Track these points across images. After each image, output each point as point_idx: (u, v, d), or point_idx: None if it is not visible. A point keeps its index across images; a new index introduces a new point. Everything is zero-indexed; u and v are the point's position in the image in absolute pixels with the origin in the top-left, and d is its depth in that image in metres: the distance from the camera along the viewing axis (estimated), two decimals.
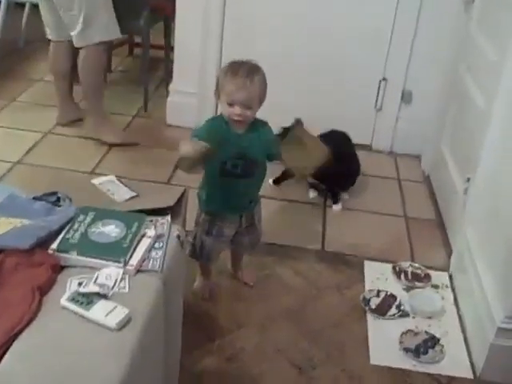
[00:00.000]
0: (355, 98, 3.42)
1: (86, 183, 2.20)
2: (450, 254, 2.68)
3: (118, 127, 3.51)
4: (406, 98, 3.41)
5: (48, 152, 3.29)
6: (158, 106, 3.86)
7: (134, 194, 2.13)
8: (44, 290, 1.39)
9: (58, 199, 1.72)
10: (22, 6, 4.41)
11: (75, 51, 3.20)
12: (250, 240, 2.32)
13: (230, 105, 2.00)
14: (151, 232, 1.56)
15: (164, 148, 3.43)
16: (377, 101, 3.44)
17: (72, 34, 3.08)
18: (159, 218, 1.64)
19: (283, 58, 3.35)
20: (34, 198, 1.69)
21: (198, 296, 2.35)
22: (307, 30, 3.34)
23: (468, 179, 2.52)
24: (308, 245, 2.71)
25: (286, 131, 2.26)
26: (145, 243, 1.53)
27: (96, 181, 2.21)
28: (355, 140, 3.49)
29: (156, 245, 1.55)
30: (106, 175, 2.94)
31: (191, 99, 3.54)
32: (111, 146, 3.33)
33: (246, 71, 2.00)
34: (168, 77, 4.17)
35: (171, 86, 3.62)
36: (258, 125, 2.10)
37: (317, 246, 2.72)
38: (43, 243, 1.50)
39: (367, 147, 3.56)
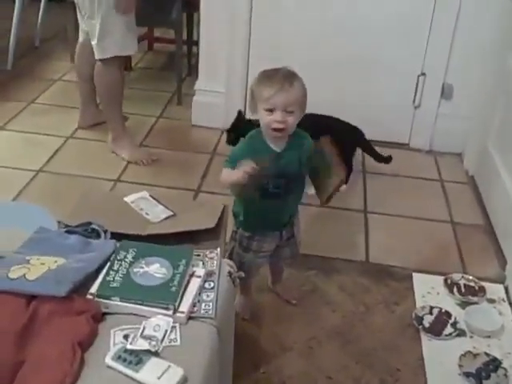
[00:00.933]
0: (392, 95, 3.23)
1: (119, 201, 2.05)
2: (503, 263, 2.51)
3: (135, 144, 3.29)
4: (446, 93, 3.22)
5: (71, 158, 3.14)
6: (182, 104, 3.70)
7: (170, 213, 2.00)
8: (85, 344, 1.24)
9: (93, 230, 1.56)
10: (37, 2, 4.23)
11: (121, 66, 3.05)
12: (291, 251, 2.17)
13: (270, 111, 1.81)
14: (200, 270, 1.40)
15: (190, 151, 3.29)
16: (415, 97, 3.25)
17: (92, 43, 2.92)
18: (207, 252, 1.48)
19: (313, 52, 3.18)
20: (66, 232, 1.54)
21: (239, 316, 2.20)
22: (339, 22, 3.16)
23: None
24: (351, 256, 2.55)
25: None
26: (194, 284, 1.37)
27: (128, 198, 2.08)
28: (392, 138, 3.35)
29: (206, 285, 1.39)
30: (132, 183, 2.91)
31: (218, 99, 3.37)
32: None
33: (282, 75, 1.83)
34: (191, 72, 4.03)
35: (197, 85, 3.45)
36: (298, 139, 1.92)
37: (360, 257, 2.56)
38: (80, 286, 1.35)
39: (405, 146, 3.39)
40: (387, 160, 2.96)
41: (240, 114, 2.75)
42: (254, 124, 1.95)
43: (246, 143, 1.91)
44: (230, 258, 2.06)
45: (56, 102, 3.69)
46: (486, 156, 2.93)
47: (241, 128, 2.53)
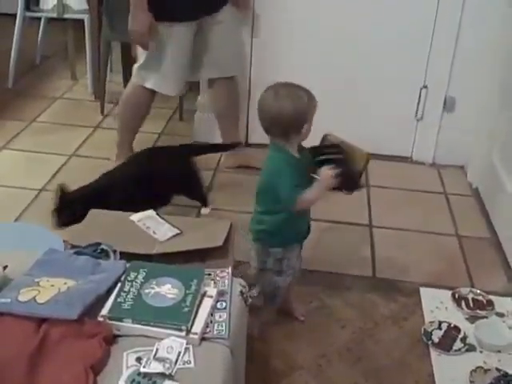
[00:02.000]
0: (394, 108, 3.23)
1: (125, 220, 2.04)
2: (511, 276, 2.50)
3: None
4: (448, 105, 3.22)
5: (73, 176, 3.10)
6: (184, 120, 3.70)
7: (176, 231, 1.98)
8: (98, 367, 1.22)
9: (102, 250, 1.54)
10: (38, 20, 4.24)
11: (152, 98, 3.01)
12: (300, 264, 2.17)
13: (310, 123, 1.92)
14: (212, 290, 1.39)
15: None
16: (417, 110, 3.25)
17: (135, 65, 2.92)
18: (218, 271, 1.46)
19: (315, 67, 3.17)
20: (75, 253, 1.52)
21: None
22: (341, 37, 3.15)
23: None
24: (358, 271, 2.53)
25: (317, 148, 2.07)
26: (206, 305, 1.35)
27: (135, 217, 2.06)
28: (395, 152, 3.34)
29: (218, 305, 1.38)
30: None
31: None
32: None
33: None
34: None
35: (199, 101, 3.45)
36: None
37: (367, 273, 2.54)
38: (91, 308, 1.33)
39: (407, 159, 3.38)
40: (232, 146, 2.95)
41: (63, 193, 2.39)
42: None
43: (286, 164, 1.92)
44: (263, 290, 2.09)
45: (58, 120, 3.68)
46: (489, 168, 2.92)
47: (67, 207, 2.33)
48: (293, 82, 1.97)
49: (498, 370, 2.06)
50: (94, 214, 2.13)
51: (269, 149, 1.99)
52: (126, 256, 1.65)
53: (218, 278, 1.46)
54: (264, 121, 1.94)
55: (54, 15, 3.89)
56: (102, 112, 3.75)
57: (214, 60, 2.93)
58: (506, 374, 2.04)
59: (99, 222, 2.06)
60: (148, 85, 2.88)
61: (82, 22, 3.88)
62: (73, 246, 1.73)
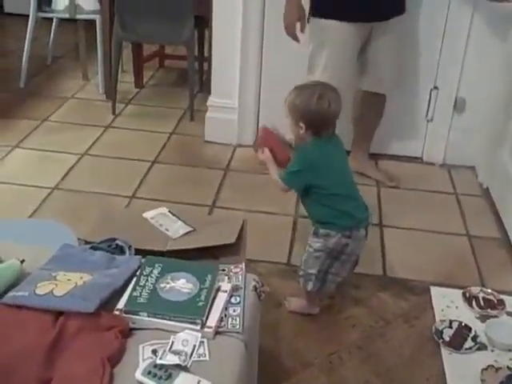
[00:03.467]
0: (404, 109, 3.24)
1: (138, 218, 2.06)
2: None
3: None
4: (458, 106, 3.22)
5: (85, 175, 3.15)
6: (194, 120, 3.72)
7: (189, 228, 2.00)
8: (114, 360, 1.24)
9: (117, 246, 1.56)
10: (50, 20, 4.27)
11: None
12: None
13: None
14: (226, 285, 1.40)
15: (204, 167, 3.29)
16: (428, 111, 3.26)
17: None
18: (232, 267, 1.47)
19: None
20: (91, 248, 1.54)
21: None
22: None
23: None
24: (368, 270, 2.53)
25: None
26: (221, 299, 1.37)
27: (147, 214, 2.08)
28: (405, 153, 3.35)
29: (232, 300, 1.39)
30: (147, 199, 2.92)
31: (231, 115, 3.38)
32: None
33: None
34: (202, 89, 4.05)
35: (209, 101, 3.46)
36: None
37: (378, 272, 2.55)
38: (107, 301, 1.35)
39: (418, 160, 3.38)
40: None
41: None
42: None
43: None
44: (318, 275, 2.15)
45: (69, 120, 3.71)
46: (500, 168, 2.92)
47: None
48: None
49: (509, 368, 2.06)
50: (107, 212, 2.15)
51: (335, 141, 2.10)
52: (140, 253, 1.66)
53: (231, 274, 1.47)
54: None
55: (66, 16, 3.93)
56: (114, 112, 3.78)
57: (375, 73, 2.87)
58: None
59: (112, 220, 2.09)
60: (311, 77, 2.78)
61: (93, 22, 3.91)
62: (86, 243, 1.74)
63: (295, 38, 2.74)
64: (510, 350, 2.16)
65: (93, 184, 3.04)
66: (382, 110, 3.06)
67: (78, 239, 1.96)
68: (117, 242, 1.58)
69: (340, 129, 2.13)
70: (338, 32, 2.69)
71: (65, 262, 1.47)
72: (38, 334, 1.30)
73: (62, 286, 1.36)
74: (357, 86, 2.95)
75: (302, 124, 2.03)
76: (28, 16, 3.99)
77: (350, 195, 2.13)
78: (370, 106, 3.04)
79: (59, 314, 1.33)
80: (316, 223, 2.15)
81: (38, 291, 1.36)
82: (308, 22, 2.73)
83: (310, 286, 2.18)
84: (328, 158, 2.07)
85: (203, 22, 3.75)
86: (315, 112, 2.01)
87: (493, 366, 2.07)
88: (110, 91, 3.81)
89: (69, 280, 1.38)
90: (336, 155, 2.12)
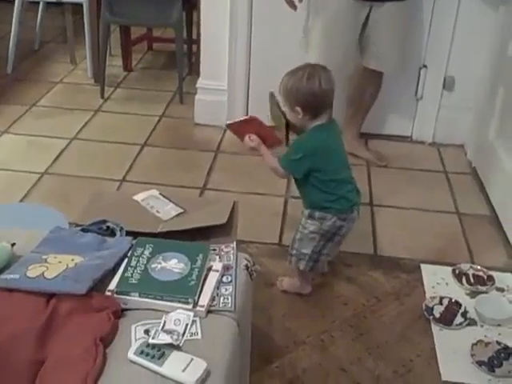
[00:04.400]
0: (394, 88, 3.23)
1: (128, 200, 2.06)
2: (510, 252, 2.53)
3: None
4: (448, 84, 3.23)
5: (75, 160, 3.15)
6: (184, 103, 3.71)
7: (180, 210, 2.00)
8: (107, 340, 1.25)
9: (108, 228, 1.56)
10: (36, 4, 4.23)
11: None
12: None
13: None
14: (217, 264, 1.41)
15: (194, 149, 3.29)
16: (417, 89, 3.26)
17: None
18: (223, 246, 1.48)
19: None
20: (82, 230, 1.54)
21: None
22: None
23: None
24: (359, 249, 2.55)
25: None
26: (212, 278, 1.38)
27: (138, 197, 2.08)
28: (395, 132, 3.35)
29: (224, 279, 1.40)
30: (137, 183, 2.92)
31: (220, 96, 3.37)
32: None
33: None
34: (191, 71, 4.04)
35: (198, 83, 3.45)
36: None
37: (369, 250, 2.56)
38: (99, 283, 1.36)
39: (407, 138, 3.40)
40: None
41: None
42: None
43: None
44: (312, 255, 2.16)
45: (58, 104, 3.69)
46: (488, 147, 2.94)
47: None
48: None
49: (498, 343, 2.09)
50: (97, 195, 2.15)
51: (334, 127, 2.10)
52: (131, 235, 1.66)
53: (223, 253, 1.48)
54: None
55: None
56: (102, 96, 3.76)
57: (374, 50, 2.87)
58: (506, 347, 2.08)
59: (102, 203, 2.08)
60: (311, 52, 2.82)
61: (80, 5, 3.88)
62: (77, 226, 1.74)
63: (292, 6, 2.74)
64: (499, 325, 2.19)
65: (83, 168, 3.04)
66: (378, 90, 3.07)
67: (69, 223, 1.96)
68: (107, 224, 1.58)
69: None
70: (336, 5, 2.71)
71: (56, 245, 1.47)
72: (30, 317, 1.30)
73: (53, 268, 1.36)
74: (356, 62, 2.95)
75: (297, 108, 2.02)
76: (14, 0, 3.95)
77: (346, 179, 2.14)
78: (368, 85, 3.05)
79: (51, 296, 1.34)
80: (311, 208, 2.15)
81: (29, 274, 1.36)
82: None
83: (302, 265, 2.20)
84: (328, 144, 2.08)
85: (191, 3, 3.73)
86: (307, 93, 2.00)
87: (482, 340, 2.10)
88: (99, 75, 3.79)
89: (60, 262, 1.39)
90: (335, 141, 2.12)
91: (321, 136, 2.06)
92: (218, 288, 1.38)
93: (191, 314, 1.29)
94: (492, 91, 2.93)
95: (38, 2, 4.19)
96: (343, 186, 2.12)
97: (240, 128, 2.18)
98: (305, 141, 2.08)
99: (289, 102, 2.04)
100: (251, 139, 2.14)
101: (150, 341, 1.22)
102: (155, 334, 1.23)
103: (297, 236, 2.19)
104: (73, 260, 1.40)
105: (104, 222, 1.60)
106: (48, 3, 4.14)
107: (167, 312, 1.31)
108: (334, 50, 2.76)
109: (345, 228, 2.15)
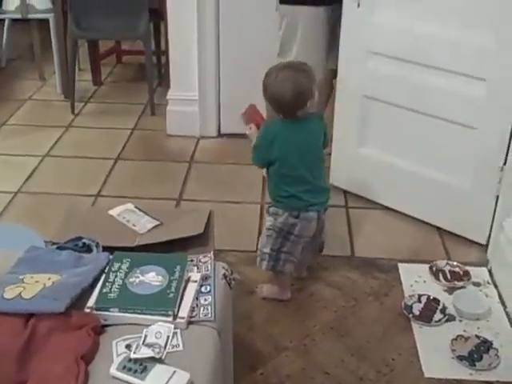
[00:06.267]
0: None
1: (104, 215, 2.05)
2: (485, 247, 2.55)
3: None
4: None
5: (48, 177, 3.12)
6: (155, 114, 3.71)
7: (156, 222, 2.00)
8: (88, 357, 1.25)
9: (84, 244, 1.56)
10: (1, 22, 4.19)
11: None
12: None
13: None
14: (196, 275, 1.41)
15: (168, 161, 3.29)
16: None
17: None
18: (200, 257, 1.49)
19: None
20: (58, 248, 1.53)
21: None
22: None
23: (501, 168, 2.40)
24: (337, 252, 2.57)
25: None
26: (191, 289, 1.38)
27: (114, 211, 2.08)
28: None
29: (203, 289, 1.40)
30: (112, 197, 2.90)
31: (191, 107, 3.38)
32: None
33: None
34: (161, 83, 4.05)
35: (169, 94, 3.46)
36: None
37: (346, 253, 2.59)
38: (77, 300, 1.35)
39: None
40: None
41: None
42: None
43: None
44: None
45: (28, 122, 3.67)
46: None
47: None
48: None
49: (477, 337, 2.12)
50: (72, 211, 2.14)
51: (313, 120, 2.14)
52: (108, 250, 1.66)
53: (200, 263, 1.49)
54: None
55: (18, 16, 3.86)
56: (73, 111, 3.75)
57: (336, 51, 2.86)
58: (485, 341, 2.11)
59: (78, 219, 2.07)
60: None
61: (47, 21, 3.85)
62: (53, 244, 1.73)
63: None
64: (477, 319, 2.22)
65: (56, 185, 3.02)
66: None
67: (45, 242, 1.95)
68: (83, 240, 1.58)
69: None
70: (310, 16, 2.73)
71: (32, 264, 1.47)
72: (10, 338, 1.30)
73: (31, 288, 1.36)
74: (325, 66, 2.96)
75: (269, 105, 2.07)
76: None
77: (302, 179, 2.12)
78: (328, 86, 3.06)
79: (29, 316, 1.33)
80: (271, 202, 2.20)
81: (6, 295, 1.35)
82: (276, 10, 2.78)
83: (264, 265, 2.22)
84: (287, 139, 2.08)
85: (158, 15, 3.73)
86: (274, 95, 2.03)
87: (462, 335, 2.13)
88: (68, 90, 3.77)
89: (37, 282, 1.38)
90: (300, 138, 2.11)
91: (279, 129, 2.08)
92: (197, 299, 1.38)
93: (172, 326, 1.29)
94: None
95: (3, 20, 4.15)
96: (298, 184, 2.12)
97: (247, 117, 2.25)
98: (263, 131, 2.12)
99: (265, 98, 2.08)
100: (250, 127, 2.19)
101: (132, 355, 1.22)
102: (137, 348, 1.23)
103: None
104: (50, 279, 1.39)
105: (80, 238, 1.59)
106: (14, 20, 4.10)
107: (148, 325, 1.31)
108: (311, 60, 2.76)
109: (298, 226, 2.15)
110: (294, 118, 2.07)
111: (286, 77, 2.03)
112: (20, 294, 1.35)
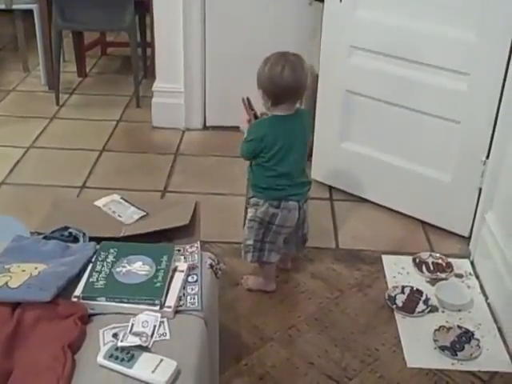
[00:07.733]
0: None
1: (90, 206, 2.05)
2: (467, 238, 2.59)
3: None
4: None
5: (33, 168, 3.11)
6: (141, 106, 3.70)
7: (142, 213, 2.00)
8: (75, 346, 1.25)
9: (70, 234, 1.56)
10: None
11: None
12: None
13: None
14: (182, 265, 1.42)
15: (153, 152, 3.29)
16: None
17: None
18: (187, 247, 1.49)
19: (268, 43, 3.18)
20: (44, 238, 1.53)
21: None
22: None
23: (484, 161, 2.43)
24: (321, 244, 2.59)
25: None
26: (178, 279, 1.39)
27: (99, 202, 2.07)
28: None
29: (190, 279, 1.41)
30: (98, 189, 2.90)
31: (177, 99, 3.38)
32: None
33: None
34: (147, 75, 4.04)
35: (155, 86, 3.45)
36: None
37: (330, 245, 2.61)
38: (64, 290, 1.36)
39: None
40: None
41: None
42: None
43: None
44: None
45: (13, 113, 3.64)
46: None
47: None
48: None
49: (459, 327, 2.16)
50: (58, 202, 2.13)
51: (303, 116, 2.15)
52: (94, 240, 1.66)
53: (187, 253, 1.50)
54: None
55: (2, 6, 3.82)
56: (58, 103, 3.72)
57: None
58: (467, 331, 2.14)
59: (64, 210, 2.06)
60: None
61: (31, 12, 3.82)
62: (39, 234, 1.73)
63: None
64: (459, 310, 2.25)
65: (41, 176, 3.00)
66: None
67: (31, 232, 1.95)
68: (70, 230, 1.58)
69: None
70: None
71: (18, 254, 1.47)
72: None
73: (17, 277, 1.36)
74: None
75: (261, 92, 2.06)
76: None
77: (287, 174, 2.13)
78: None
79: (16, 305, 1.33)
80: (252, 193, 2.21)
81: None
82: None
83: (249, 257, 2.23)
84: (277, 136, 2.09)
85: (143, 6, 3.72)
86: (266, 78, 2.03)
87: (444, 326, 2.17)
88: (53, 82, 3.74)
89: (23, 271, 1.38)
90: (289, 134, 2.11)
91: (270, 126, 2.09)
92: (184, 288, 1.39)
93: (159, 315, 1.30)
94: None
95: None
96: (280, 179, 2.13)
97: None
98: (255, 127, 2.13)
99: (257, 85, 2.07)
100: (244, 121, 2.20)
101: (119, 344, 1.23)
102: (124, 336, 1.24)
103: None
104: (36, 268, 1.40)
105: (66, 228, 1.59)
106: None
107: (135, 314, 1.32)
108: None
109: (279, 216, 2.15)
110: (287, 111, 2.08)
111: (283, 63, 2.01)
112: (6, 283, 1.35)
